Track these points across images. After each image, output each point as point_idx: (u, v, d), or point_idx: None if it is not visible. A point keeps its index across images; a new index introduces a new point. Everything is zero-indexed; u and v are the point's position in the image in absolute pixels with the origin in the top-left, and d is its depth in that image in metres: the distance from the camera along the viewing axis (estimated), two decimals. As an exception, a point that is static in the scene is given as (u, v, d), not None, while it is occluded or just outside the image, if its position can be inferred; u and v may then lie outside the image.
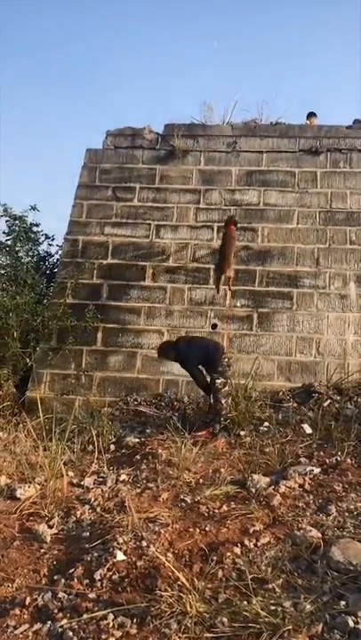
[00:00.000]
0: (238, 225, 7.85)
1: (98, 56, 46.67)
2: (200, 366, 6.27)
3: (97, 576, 3.07)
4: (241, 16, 43.11)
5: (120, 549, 3.34)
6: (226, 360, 6.27)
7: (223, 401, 6.17)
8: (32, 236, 9.29)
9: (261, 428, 6.40)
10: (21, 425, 6.08)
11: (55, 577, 3.20)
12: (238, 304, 7.99)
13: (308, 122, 9.22)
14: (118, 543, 3.43)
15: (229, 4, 41.22)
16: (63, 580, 3.10)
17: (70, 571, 3.19)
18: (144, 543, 3.44)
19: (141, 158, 8.76)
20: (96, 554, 3.36)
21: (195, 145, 8.72)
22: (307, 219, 8.23)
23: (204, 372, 6.24)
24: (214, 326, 7.78)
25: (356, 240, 8.06)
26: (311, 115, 9.33)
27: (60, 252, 9.03)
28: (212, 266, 8.04)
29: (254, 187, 8.39)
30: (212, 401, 6.27)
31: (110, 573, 3.11)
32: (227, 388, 6.29)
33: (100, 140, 8.92)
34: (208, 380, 6.20)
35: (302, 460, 5.24)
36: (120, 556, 3.26)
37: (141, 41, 47.33)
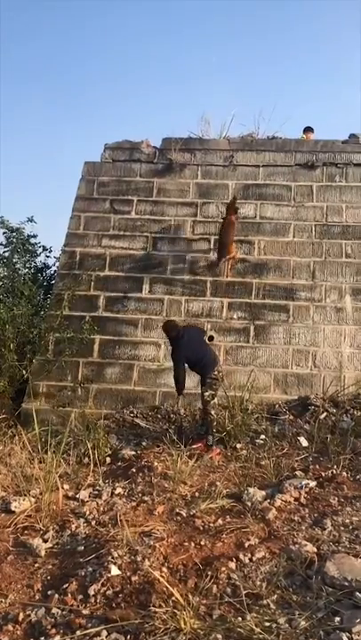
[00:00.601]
0: (238, 220, 8.07)
1: (97, 71, 47.12)
2: (187, 366, 6.31)
3: (91, 591, 3.06)
4: (240, 33, 43.65)
5: (115, 564, 3.33)
6: (216, 374, 6.26)
7: (213, 412, 6.21)
8: (29, 247, 9.32)
9: (258, 440, 6.40)
10: (17, 437, 6.05)
11: (49, 592, 3.18)
12: (235, 316, 8.01)
13: (304, 136, 9.30)
14: (113, 557, 3.42)
15: (228, 21, 41.72)
16: (57, 596, 3.08)
17: (64, 586, 3.17)
18: (139, 557, 3.43)
19: (139, 171, 8.81)
20: (90, 568, 3.34)
21: (192, 159, 8.78)
22: (303, 232, 8.28)
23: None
24: (211, 338, 7.80)
25: (351, 253, 8.10)
26: (308, 129, 9.41)
27: (57, 264, 9.05)
28: (210, 278, 8.11)
29: (251, 200, 8.44)
30: (202, 414, 6.33)
31: (104, 589, 3.09)
32: (215, 401, 6.30)
33: (99, 153, 8.98)
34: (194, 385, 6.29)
35: (298, 473, 5.24)
36: (114, 570, 3.25)
37: (141, 56, 47.81)
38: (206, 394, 6.18)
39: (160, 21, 43.77)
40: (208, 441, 6.04)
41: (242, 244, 8.27)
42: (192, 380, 6.54)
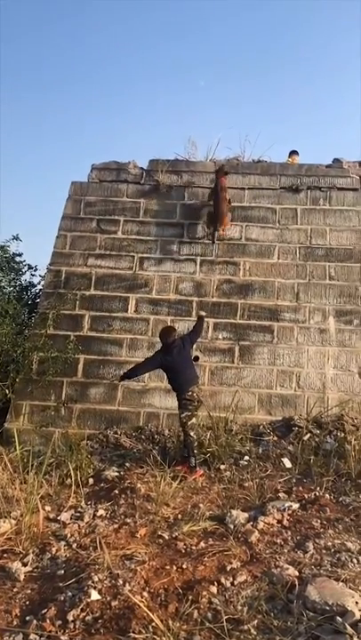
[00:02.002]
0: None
1: (84, 93, 47.63)
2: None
3: (70, 617, 3.02)
4: (228, 58, 44.51)
5: (95, 588, 3.29)
6: (190, 394, 6.17)
7: (192, 434, 6.18)
8: (14, 265, 9.30)
9: (241, 461, 6.39)
10: (-2, 457, 5.98)
11: (27, 618, 3.13)
12: (220, 336, 8.04)
13: (290, 159, 9.45)
14: (93, 582, 3.38)
15: (217, 45, 42.56)
16: (35, 621, 3.03)
17: (43, 611, 3.12)
18: (120, 581, 3.39)
19: (126, 192, 8.88)
20: (70, 593, 3.30)
21: (178, 180, 8.87)
22: (287, 254, 8.38)
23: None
24: (196, 358, 7.79)
25: (335, 276, 8.20)
26: (293, 153, 9.56)
27: (42, 283, 9.03)
28: (196, 298, 8.16)
29: (236, 222, 8.53)
30: (183, 436, 6.31)
31: (84, 614, 3.05)
32: (194, 421, 6.25)
33: (85, 174, 9.04)
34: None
35: (281, 495, 5.23)
36: (94, 595, 3.21)
37: (127, 79, 48.48)
38: (183, 415, 6.15)
39: (147, 43, 44.56)
40: (190, 463, 6.01)
41: (227, 265, 8.34)
42: (175, 401, 6.51)
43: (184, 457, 6.23)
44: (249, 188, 8.75)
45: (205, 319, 7.11)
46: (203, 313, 7.04)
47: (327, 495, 5.20)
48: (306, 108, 52.10)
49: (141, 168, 9.00)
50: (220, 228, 8.25)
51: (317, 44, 44.51)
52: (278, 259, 8.36)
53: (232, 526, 4.37)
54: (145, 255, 8.50)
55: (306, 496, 5.18)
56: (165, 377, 6.59)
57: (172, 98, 53.49)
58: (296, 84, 49.63)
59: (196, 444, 6.22)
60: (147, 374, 7.47)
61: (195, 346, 7.75)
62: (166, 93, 53.28)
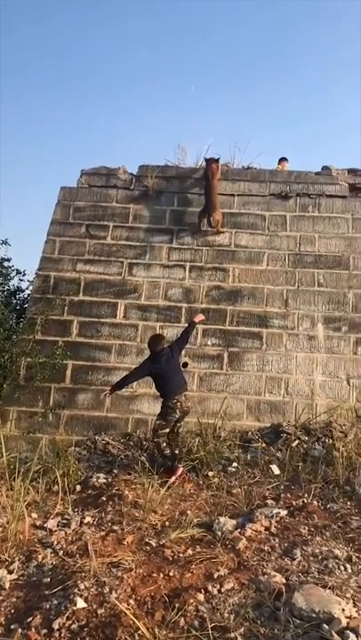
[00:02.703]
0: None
1: (73, 98, 47.69)
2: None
3: (55, 625, 2.98)
4: (220, 64, 44.80)
5: (81, 596, 3.26)
6: (174, 402, 6.11)
7: (161, 440, 6.12)
8: (2, 270, 9.24)
9: (230, 468, 6.38)
10: (-16, 464, 5.92)
11: (12, 626, 3.09)
12: (209, 343, 8.04)
13: (279, 166, 9.52)
14: (79, 589, 3.35)
15: (209, 51, 42.84)
16: (20, 630, 3.00)
17: (28, 620, 3.09)
18: (106, 589, 3.36)
19: (115, 197, 8.88)
20: (56, 601, 3.26)
21: (168, 186, 8.89)
22: (276, 261, 8.41)
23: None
24: (185, 365, 7.78)
25: (323, 282, 8.24)
26: (283, 159, 9.63)
27: (30, 288, 8.98)
28: (185, 304, 8.16)
29: (226, 228, 8.55)
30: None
31: (69, 622, 3.02)
32: (165, 431, 6.18)
33: (75, 179, 9.03)
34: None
35: (269, 502, 5.23)
36: (80, 603, 3.18)
37: (116, 85, 48.62)
38: (157, 422, 6.15)
39: (137, 50, 44.75)
40: (167, 467, 6.01)
41: (217, 271, 8.36)
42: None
43: (169, 466, 6.21)
44: (238, 195, 8.78)
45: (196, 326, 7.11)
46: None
47: (315, 502, 5.20)
48: (297, 116, 52.56)
49: (131, 174, 9.01)
50: (213, 214, 8.29)
51: (310, 54, 44.98)
52: (267, 265, 8.39)
53: (220, 533, 4.35)
54: (134, 261, 8.50)
55: (294, 503, 5.18)
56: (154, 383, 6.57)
57: (162, 104, 53.71)
58: (288, 92, 50.06)
59: (163, 445, 6.12)
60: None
61: (183, 352, 7.76)
62: (157, 99, 53.49)
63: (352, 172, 8.98)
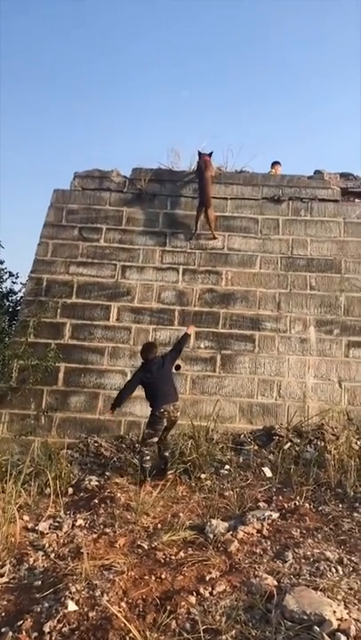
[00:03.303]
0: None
1: (70, 99, 47.71)
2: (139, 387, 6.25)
3: (46, 628, 2.97)
4: (212, 70, 44.96)
5: (72, 599, 3.25)
6: (161, 411, 6.03)
7: (146, 450, 6.04)
8: (-5, 273, 9.20)
9: (222, 470, 6.39)
10: (-24, 467, 5.90)
11: (2, 629, 3.08)
12: (202, 345, 8.05)
13: (272, 170, 9.55)
14: (71, 592, 3.34)
15: (202, 58, 43.00)
16: (11, 633, 2.98)
17: (19, 623, 3.07)
18: (97, 592, 3.36)
19: (108, 200, 8.89)
20: (47, 604, 3.25)
21: (161, 189, 8.91)
22: (269, 264, 8.44)
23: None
24: (178, 367, 7.79)
25: (315, 286, 8.28)
26: (276, 163, 9.66)
27: (23, 290, 8.95)
28: (178, 307, 8.17)
29: (219, 231, 8.57)
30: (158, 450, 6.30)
31: (60, 625, 3.01)
32: (154, 440, 6.09)
33: (68, 181, 9.02)
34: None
35: (261, 504, 5.24)
36: (72, 606, 3.17)
37: (114, 86, 48.69)
38: (146, 431, 6.13)
39: (132, 54, 44.85)
40: (145, 475, 5.93)
41: (210, 274, 8.38)
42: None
43: (161, 469, 6.20)
44: (231, 198, 8.81)
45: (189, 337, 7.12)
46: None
47: (307, 504, 5.22)
48: (289, 120, 52.81)
49: (124, 176, 9.02)
50: (209, 210, 8.31)
51: (304, 53, 45.23)
52: (260, 268, 8.42)
53: (212, 536, 4.36)
54: (127, 263, 8.50)
55: (286, 505, 5.18)
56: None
57: (155, 108, 53.79)
58: (281, 96, 50.31)
59: (147, 458, 6.03)
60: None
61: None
62: (150, 103, 53.58)
63: (344, 176, 9.05)
